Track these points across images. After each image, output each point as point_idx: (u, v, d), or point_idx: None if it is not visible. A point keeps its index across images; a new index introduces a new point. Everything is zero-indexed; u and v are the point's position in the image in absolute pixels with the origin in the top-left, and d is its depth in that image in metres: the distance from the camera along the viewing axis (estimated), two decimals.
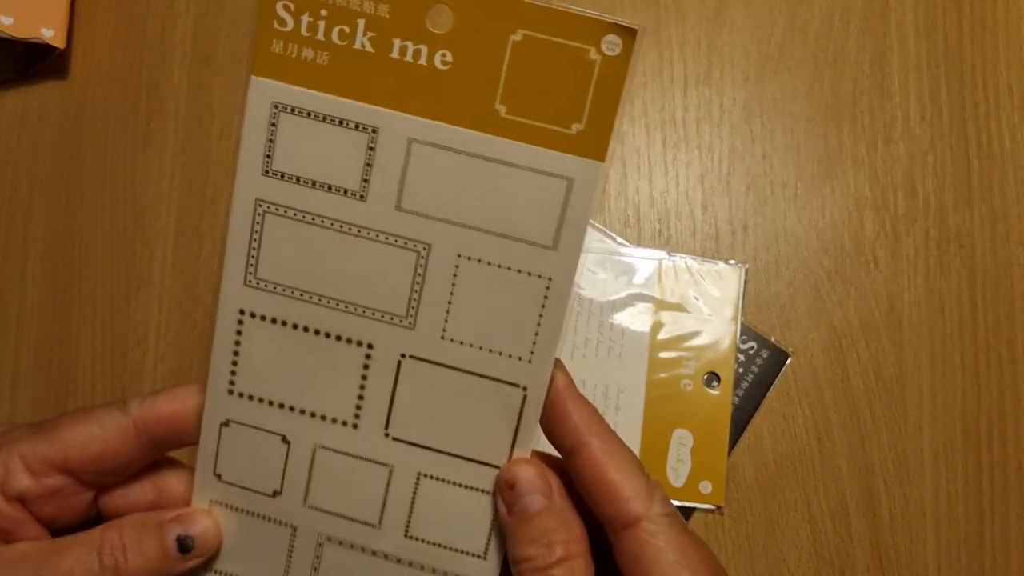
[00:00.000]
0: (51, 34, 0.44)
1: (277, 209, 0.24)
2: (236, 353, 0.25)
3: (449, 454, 0.25)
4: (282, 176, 0.24)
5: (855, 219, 0.42)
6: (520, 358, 0.24)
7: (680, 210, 0.43)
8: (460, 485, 0.25)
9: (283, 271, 0.24)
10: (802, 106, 0.43)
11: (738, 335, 0.41)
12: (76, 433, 0.24)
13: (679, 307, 0.42)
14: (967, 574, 0.40)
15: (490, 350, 0.24)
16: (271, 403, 0.25)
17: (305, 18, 0.23)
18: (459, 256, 0.23)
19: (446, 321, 0.24)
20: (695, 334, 0.41)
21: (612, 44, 0.22)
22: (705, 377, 0.41)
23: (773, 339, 0.41)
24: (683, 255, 0.42)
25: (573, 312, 0.40)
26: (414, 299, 0.24)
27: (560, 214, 0.23)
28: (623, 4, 0.44)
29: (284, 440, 0.25)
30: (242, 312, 0.25)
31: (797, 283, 0.42)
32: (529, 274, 0.23)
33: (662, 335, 0.42)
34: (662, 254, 0.42)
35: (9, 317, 0.45)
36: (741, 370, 0.41)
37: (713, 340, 0.41)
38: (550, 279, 0.23)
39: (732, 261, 0.42)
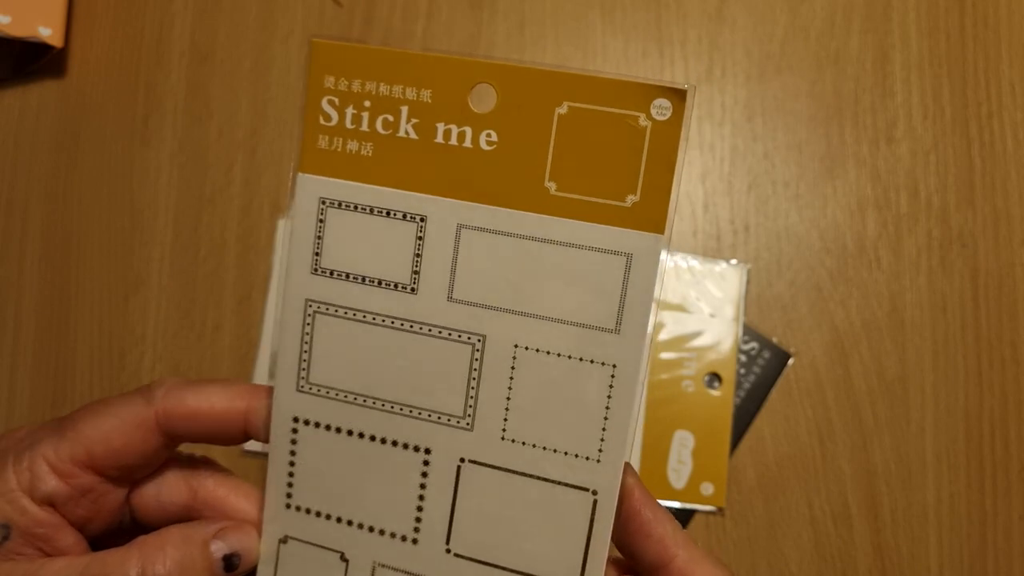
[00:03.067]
0: (48, 33, 0.44)
1: (327, 308, 0.23)
2: (292, 464, 0.24)
3: (515, 572, 0.23)
4: (331, 274, 0.23)
5: (857, 219, 0.42)
6: (588, 458, 0.22)
7: (681, 210, 0.43)
8: None
9: (335, 374, 0.23)
10: (804, 105, 0.43)
11: (740, 336, 0.41)
12: (98, 427, 0.23)
13: (680, 307, 0.41)
14: (969, 575, 0.40)
15: (555, 450, 0.22)
16: (328, 517, 0.24)
17: (350, 111, 0.22)
18: (516, 347, 0.22)
19: (506, 420, 0.23)
20: (696, 335, 0.41)
21: (662, 108, 0.21)
22: (706, 378, 0.41)
23: (775, 340, 0.41)
24: (684, 255, 0.42)
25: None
26: (471, 397, 0.23)
27: (621, 294, 0.22)
28: (623, 2, 0.44)
29: (343, 558, 0.24)
30: (296, 420, 0.24)
31: (799, 283, 0.42)
32: (592, 362, 0.22)
33: (663, 336, 0.41)
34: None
35: (6, 317, 0.45)
36: (743, 371, 0.41)
37: (714, 341, 0.41)
38: (615, 366, 0.22)
39: (734, 261, 0.42)
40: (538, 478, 0.23)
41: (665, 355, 0.41)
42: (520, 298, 0.22)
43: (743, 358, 0.41)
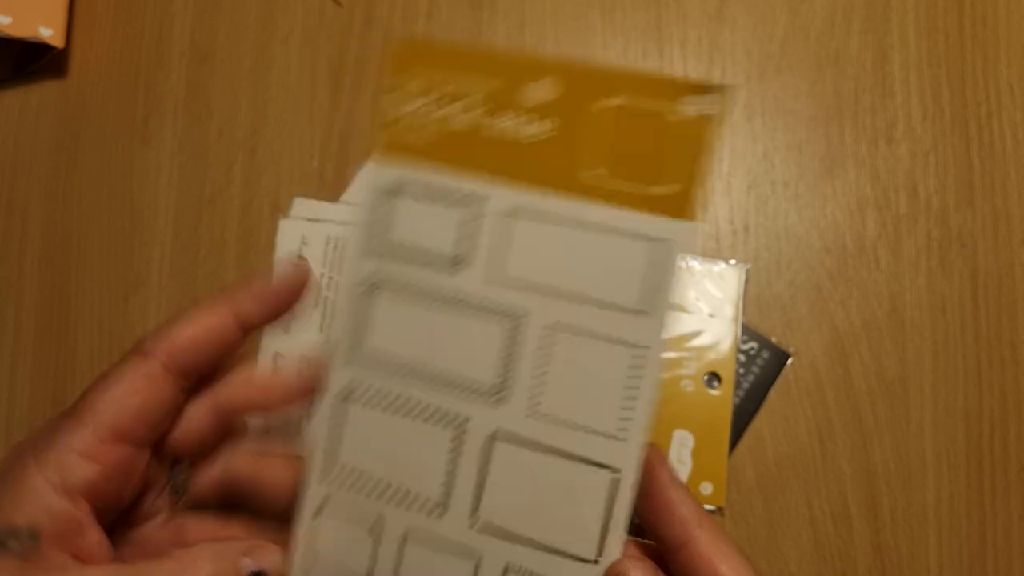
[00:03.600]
0: (49, 33, 0.44)
1: (383, 285, 0.25)
2: (335, 434, 0.25)
3: (536, 545, 0.24)
4: (389, 253, 0.25)
5: (857, 219, 0.42)
6: (612, 436, 0.23)
7: None
8: None
9: (386, 347, 0.25)
10: (804, 105, 0.43)
11: (739, 335, 0.41)
12: (111, 398, 0.24)
13: (679, 307, 0.42)
14: (969, 575, 0.40)
15: (581, 427, 0.23)
16: (364, 486, 0.25)
17: (420, 100, 0.24)
18: (552, 326, 0.23)
19: (538, 395, 0.24)
20: (696, 334, 0.41)
21: (705, 103, 0.22)
22: (706, 378, 0.41)
23: (774, 339, 0.41)
24: (683, 255, 0.42)
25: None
26: (507, 372, 0.24)
27: (656, 278, 0.23)
28: (623, 2, 0.44)
29: (375, 527, 0.25)
30: (344, 390, 0.25)
31: (798, 283, 0.42)
32: (621, 342, 0.23)
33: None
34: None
35: (6, 317, 0.45)
36: (742, 371, 0.41)
37: (714, 340, 0.41)
38: (641, 347, 0.23)
39: (733, 261, 0.42)
40: (564, 454, 0.23)
41: (664, 355, 0.41)
42: (560, 280, 0.23)
43: (742, 358, 0.41)
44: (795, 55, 0.43)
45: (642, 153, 0.23)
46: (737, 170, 0.43)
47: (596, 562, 0.23)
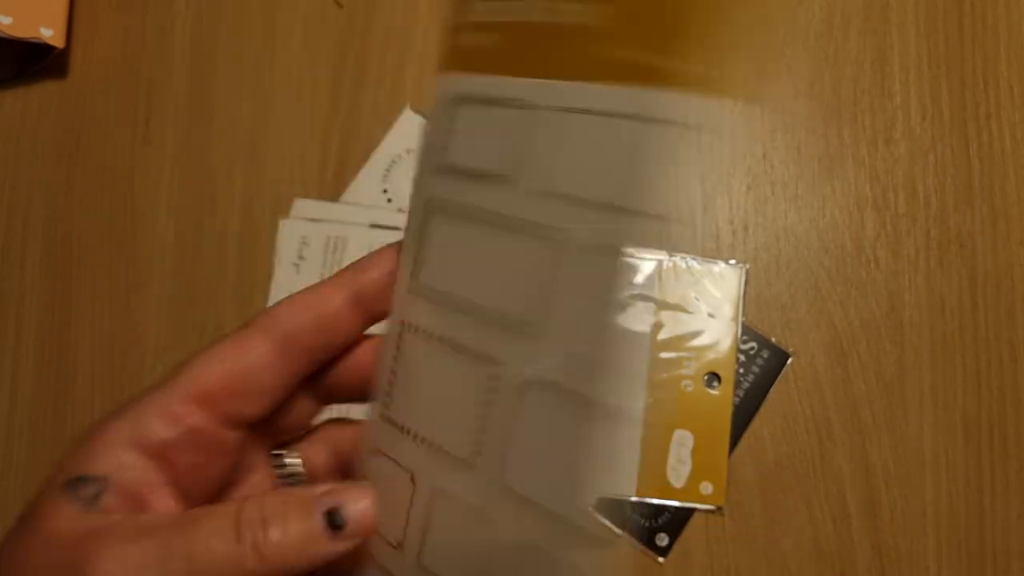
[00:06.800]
0: (50, 33, 0.44)
1: (444, 206, 0.22)
2: (394, 372, 0.22)
3: (555, 514, 0.20)
4: (454, 170, 0.22)
5: (856, 219, 0.42)
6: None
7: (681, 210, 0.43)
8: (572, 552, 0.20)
9: (438, 274, 0.22)
10: (803, 105, 0.43)
11: (739, 335, 0.41)
12: (201, 361, 0.22)
13: (679, 307, 0.42)
14: (968, 575, 0.40)
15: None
16: (409, 432, 0.22)
17: (485, 4, 0.21)
18: (598, 247, 0.20)
19: (574, 332, 0.20)
20: (696, 334, 0.41)
21: None
22: (706, 377, 0.41)
23: (774, 339, 0.41)
24: (683, 255, 0.42)
25: None
26: (545, 302, 0.20)
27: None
28: None
29: (412, 480, 0.22)
30: (403, 324, 0.22)
31: (798, 283, 0.42)
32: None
33: (662, 335, 0.41)
34: (662, 254, 0.42)
35: (8, 318, 0.45)
36: (742, 370, 0.41)
37: (714, 340, 0.41)
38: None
39: (732, 261, 0.42)
40: (600, 404, 0.20)
41: (664, 355, 0.41)
42: (615, 190, 0.19)
43: (742, 358, 0.41)
44: (794, 56, 0.44)
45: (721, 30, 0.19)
46: (736, 170, 0.43)
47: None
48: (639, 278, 0.20)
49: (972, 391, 0.41)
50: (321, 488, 0.21)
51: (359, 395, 0.24)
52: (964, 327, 0.41)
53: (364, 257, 0.23)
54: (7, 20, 0.43)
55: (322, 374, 0.24)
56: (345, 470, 0.25)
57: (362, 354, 0.24)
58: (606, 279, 0.20)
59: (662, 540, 0.40)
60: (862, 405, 0.41)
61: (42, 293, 0.45)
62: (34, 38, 0.43)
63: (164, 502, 0.22)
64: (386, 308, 0.23)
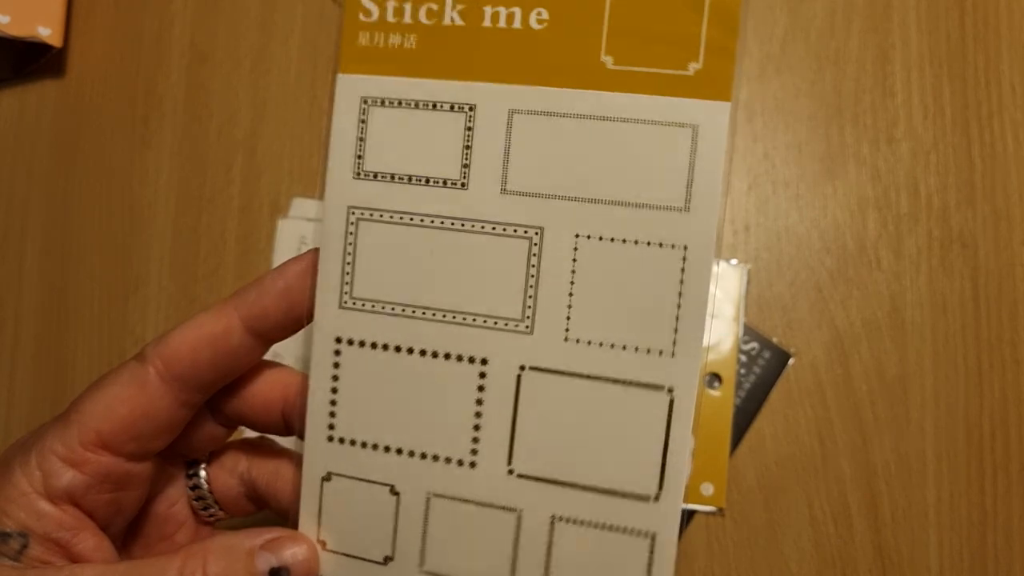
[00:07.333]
0: (48, 33, 0.44)
1: (371, 214, 0.21)
2: (335, 391, 0.22)
3: (586, 488, 0.21)
4: (375, 176, 0.21)
5: (857, 219, 0.42)
6: (661, 352, 0.20)
7: None
8: (605, 527, 0.21)
9: (382, 285, 0.21)
10: (804, 105, 0.43)
11: (740, 336, 0.41)
12: (98, 402, 0.22)
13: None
14: (969, 575, 0.40)
15: (624, 347, 0.20)
16: (376, 447, 0.22)
17: (391, 3, 0.21)
18: (577, 237, 0.20)
19: (569, 319, 0.20)
20: None
21: None
22: (707, 378, 0.41)
23: (775, 340, 0.41)
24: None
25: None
26: (529, 296, 0.21)
27: (688, 169, 0.20)
28: None
29: (393, 491, 0.22)
30: (339, 340, 0.22)
31: (799, 283, 0.42)
32: (661, 245, 0.20)
33: None
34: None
35: (6, 317, 0.45)
36: (743, 371, 0.41)
37: (715, 341, 0.41)
38: (686, 247, 0.20)
39: (734, 261, 0.42)
40: (607, 380, 0.20)
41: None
42: (579, 183, 0.20)
43: (743, 358, 0.41)
44: (795, 55, 0.43)
45: (656, 31, 0.19)
46: (737, 170, 0.43)
47: (657, 499, 0.21)
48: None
49: (974, 391, 0.40)
50: (261, 538, 0.22)
51: (261, 425, 0.24)
52: (966, 327, 0.41)
53: (261, 276, 0.23)
54: (5, 19, 0.43)
55: (223, 400, 0.24)
56: (250, 491, 0.25)
57: (263, 384, 0.24)
58: (590, 266, 0.20)
59: None
60: (864, 406, 0.41)
61: (40, 292, 0.45)
62: (32, 37, 0.43)
63: (88, 541, 0.22)
64: (284, 329, 0.23)
